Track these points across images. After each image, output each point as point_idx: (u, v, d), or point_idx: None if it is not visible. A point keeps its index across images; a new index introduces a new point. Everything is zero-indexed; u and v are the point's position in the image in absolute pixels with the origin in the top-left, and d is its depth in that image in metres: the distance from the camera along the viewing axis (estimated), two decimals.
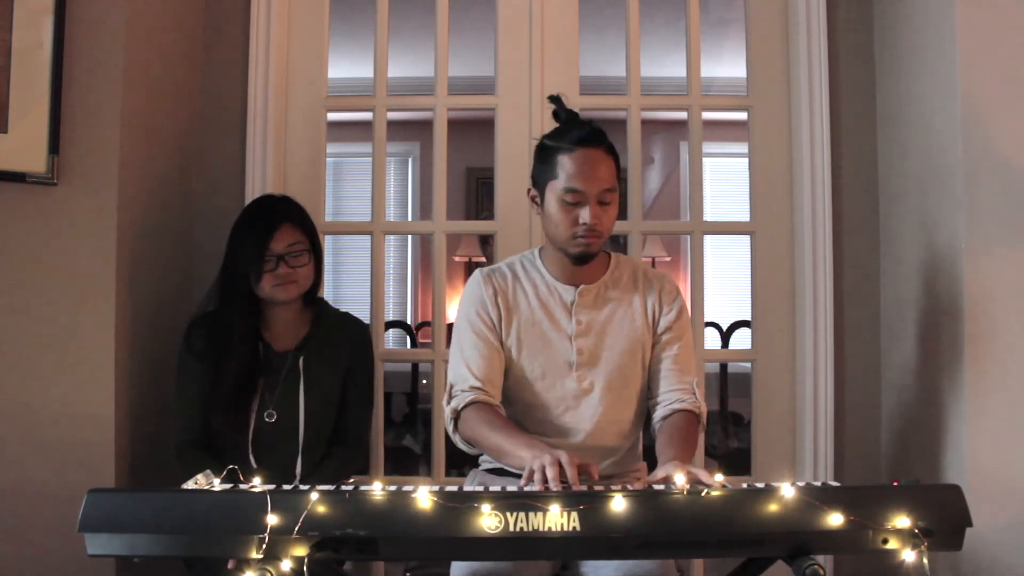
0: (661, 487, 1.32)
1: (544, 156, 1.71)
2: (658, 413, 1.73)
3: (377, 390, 2.33)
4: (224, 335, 1.87)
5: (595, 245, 1.69)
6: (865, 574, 2.15)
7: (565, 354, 1.74)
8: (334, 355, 1.95)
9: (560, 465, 1.37)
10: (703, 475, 1.35)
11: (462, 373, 1.71)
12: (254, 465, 1.84)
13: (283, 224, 1.86)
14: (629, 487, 1.32)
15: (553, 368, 1.73)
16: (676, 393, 1.72)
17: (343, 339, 1.98)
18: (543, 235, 2.27)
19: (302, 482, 1.87)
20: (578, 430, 1.73)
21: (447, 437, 2.32)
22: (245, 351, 1.87)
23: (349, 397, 1.98)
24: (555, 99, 1.76)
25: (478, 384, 1.68)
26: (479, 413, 1.65)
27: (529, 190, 1.77)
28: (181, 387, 1.90)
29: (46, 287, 1.84)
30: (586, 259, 1.72)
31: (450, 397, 1.70)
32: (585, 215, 1.65)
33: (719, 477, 1.38)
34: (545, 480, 1.36)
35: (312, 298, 1.99)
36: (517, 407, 1.75)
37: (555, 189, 1.67)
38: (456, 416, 1.68)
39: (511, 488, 1.32)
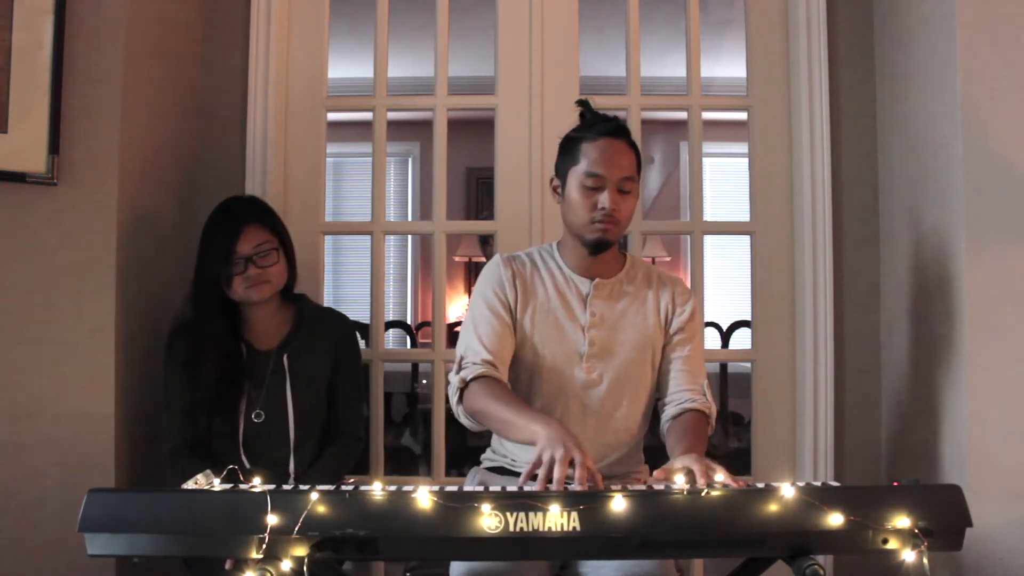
0: (661, 487, 1.32)
1: (568, 146, 1.76)
2: (668, 412, 1.74)
3: (377, 390, 2.34)
4: (202, 341, 1.87)
5: (612, 232, 1.71)
6: (865, 574, 2.15)
7: (577, 344, 1.75)
8: (319, 351, 1.95)
9: (571, 464, 1.37)
10: (721, 471, 1.37)
11: (474, 346, 1.71)
12: (247, 466, 1.84)
13: (248, 225, 1.86)
14: (630, 487, 1.32)
15: (563, 357, 1.74)
16: (687, 393, 1.73)
17: (327, 334, 1.98)
18: (544, 236, 2.31)
19: (297, 480, 1.88)
20: (582, 420, 1.73)
21: (447, 436, 2.34)
22: (222, 355, 1.87)
23: (339, 392, 1.98)
24: (583, 103, 1.81)
25: (489, 358, 1.68)
26: (487, 386, 1.64)
27: (552, 180, 1.81)
28: (168, 395, 1.91)
29: (46, 287, 1.84)
30: (602, 247, 1.74)
31: (459, 368, 1.69)
32: (604, 200, 1.68)
33: (720, 477, 1.38)
34: (549, 478, 1.36)
35: (291, 295, 1.99)
36: (523, 392, 1.75)
37: (577, 174, 1.71)
38: (463, 387, 1.67)
39: (511, 488, 1.32)
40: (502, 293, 1.77)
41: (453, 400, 1.69)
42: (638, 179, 1.75)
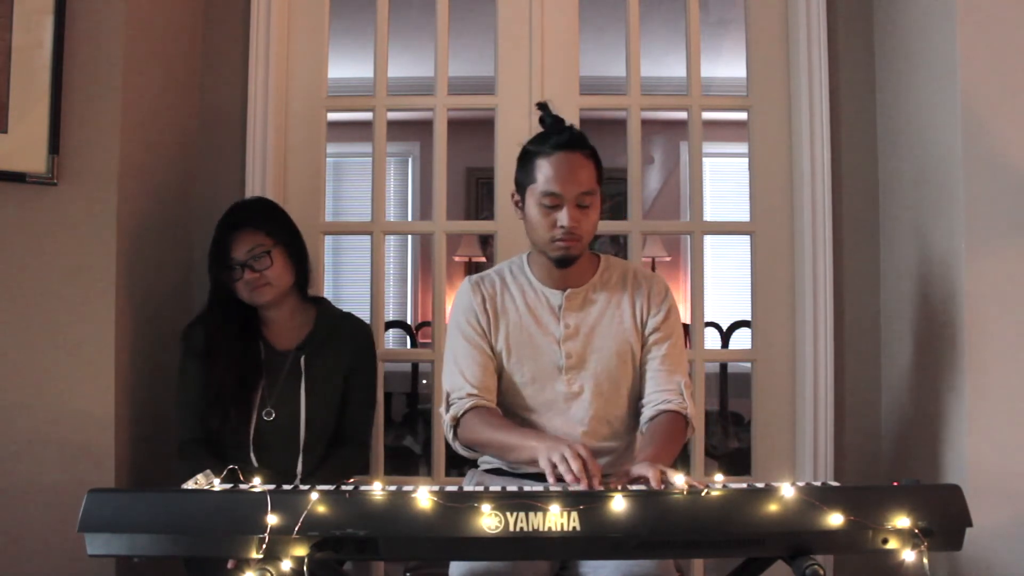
0: (661, 487, 1.32)
1: (525, 161, 1.73)
2: (645, 414, 1.74)
3: (377, 390, 2.33)
4: (218, 335, 1.88)
5: (575, 248, 1.69)
6: (865, 574, 2.15)
7: (554, 358, 1.74)
8: (336, 355, 1.95)
9: (582, 459, 1.38)
10: (671, 474, 1.36)
11: (458, 382, 1.72)
12: (255, 464, 1.85)
13: (240, 231, 1.86)
14: (629, 487, 1.32)
15: (542, 372, 1.74)
16: (663, 394, 1.73)
17: (345, 340, 1.98)
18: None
19: (303, 482, 1.88)
20: (569, 433, 1.72)
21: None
22: (236, 350, 1.88)
23: (351, 398, 1.98)
24: (542, 106, 1.78)
25: (474, 391, 1.70)
26: (479, 416, 1.66)
27: (513, 195, 1.78)
28: (182, 386, 1.92)
29: (46, 287, 1.84)
30: (567, 262, 1.72)
31: (448, 405, 1.71)
32: (563, 218, 1.65)
33: (719, 477, 1.38)
34: (569, 470, 1.37)
35: (309, 296, 1.99)
36: (507, 412, 1.76)
37: (534, 193, 1.68)
38: (455, 423, 1.69)
39: (511, 488, 1.33)
40: (475, 321, 1.76)
41: (448, 436, 1.72)
42: (599, 189, 1.71)
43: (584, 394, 1.73)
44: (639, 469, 1.43)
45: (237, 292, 1.88)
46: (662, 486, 1.35)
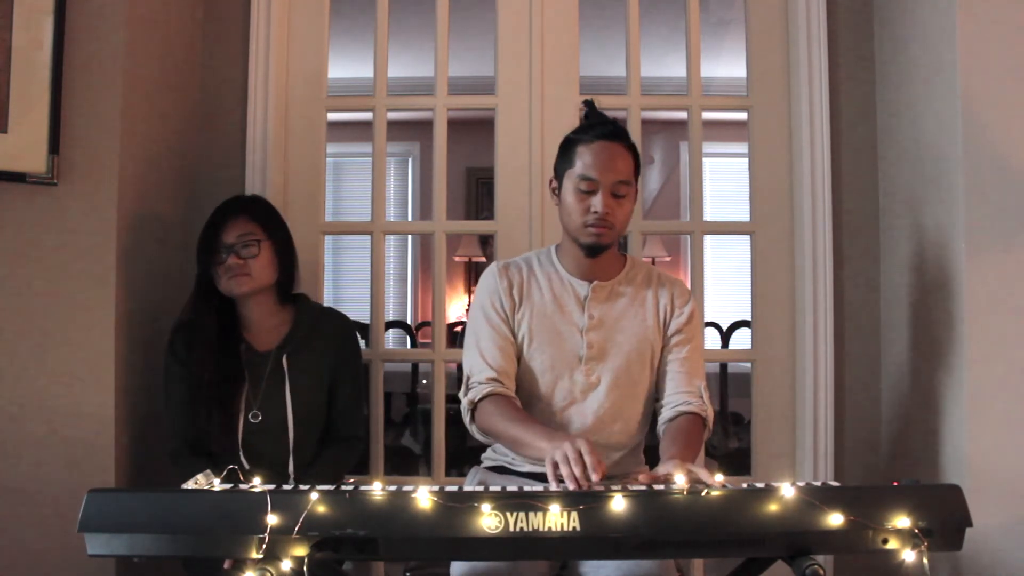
0: (661, 487, 1.33)
1: (566, 148, 1.77)
2: (664, 415, 1.74)
3: (377, 390, 2.33)
4: (198, 339, 1.88)
5: (606, 236, 1.71)
6: (865, 574, 2.15)
7: (575, 347, 1.75)
8: (318, 352, 1.95)
9: (581, 456, 1.39)
10: (703, 474, 1.36)
11: (478, 364, 1.73)
12: (247, 466, 1.84)
13: (235, 216, 1.88)
14: (629, 487, 1.32)
15: (562, 361, 1.75)
16: (683, 396, 1.74)
17: (327, 335, 1.97)
18: (544, 236, 2.31)
19: (297, 481, 1.88)
20: (581, 424, 1.73)
21: (447, 436, 2.34)
22: (217, 353, 1.87)
23: (339, 393, 1.97)
24: (588, 103, 1.82)
25: (494, 375, 1.71)
26: (496, 405, 1.67)
27: (551, 181, 1.82)
28: (168, 393, 1.91)
29: (46, 287, 1.84)
30: (597, 251, 1.74)
31: (467, 389, 1.73)
32: (597, 204, 1.69)
33: (719, 477, 1.38)
34: (571, 474, 1.37)
35: (289, 296, 1.99)
36: (522, 397, 1.76)
37: (571, 177, 1.72)
38: (473, 408, 1.71)
39: (511, 488, 1.33)
40: (499, 305, 1.78)
41: (466, 420, 1.73)
42: (635, 183, 1.75)
43: (601, 386, 1.74)
44: (665, 468, 1.43)
45: (216, 280, 1.88)
46: (696, 484, 1.35)
